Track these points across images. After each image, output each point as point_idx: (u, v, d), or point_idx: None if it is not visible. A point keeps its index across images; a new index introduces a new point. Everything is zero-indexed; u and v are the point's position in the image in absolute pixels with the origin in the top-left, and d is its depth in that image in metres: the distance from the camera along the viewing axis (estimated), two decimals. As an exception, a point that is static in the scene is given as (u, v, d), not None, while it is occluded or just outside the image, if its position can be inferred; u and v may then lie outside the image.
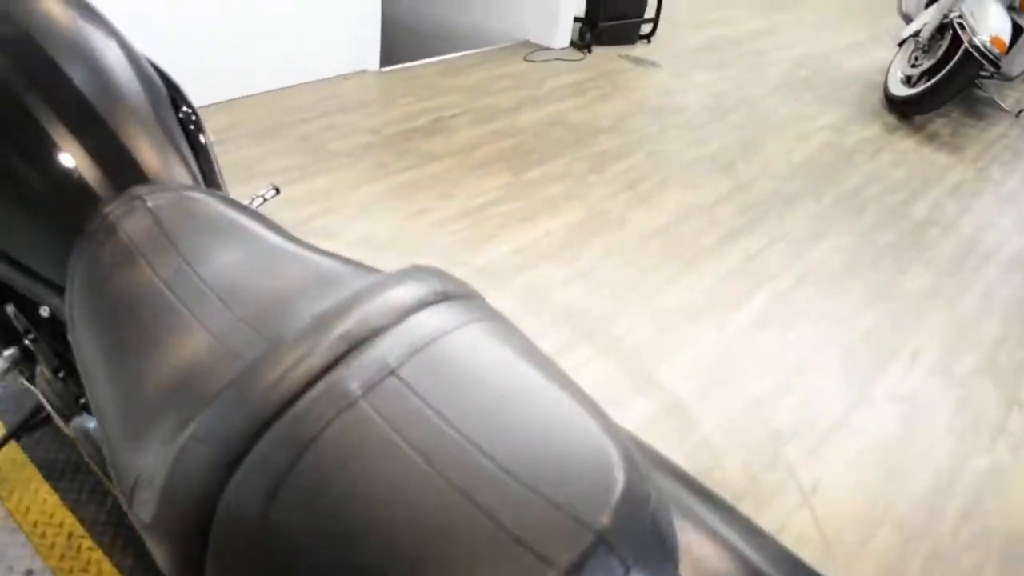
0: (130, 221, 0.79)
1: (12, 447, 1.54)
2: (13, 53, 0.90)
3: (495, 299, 2.11)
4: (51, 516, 1.41)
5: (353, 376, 0.54)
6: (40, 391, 1.14)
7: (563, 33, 4.15)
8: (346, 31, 3.37)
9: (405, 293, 0.61)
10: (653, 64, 4.13)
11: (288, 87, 3.25)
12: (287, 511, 0.50)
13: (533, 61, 3.95)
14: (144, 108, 0.96)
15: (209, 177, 1.04)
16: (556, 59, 4.00)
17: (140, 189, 0.83)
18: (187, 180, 0.94)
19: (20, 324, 1.08)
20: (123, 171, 0.87)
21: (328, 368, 0.55)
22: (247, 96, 3.13)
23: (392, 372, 0.55)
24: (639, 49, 4.35)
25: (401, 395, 0.53)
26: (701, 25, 5.05)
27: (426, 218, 2.51)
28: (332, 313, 0.59)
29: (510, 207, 2.60)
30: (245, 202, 1.57)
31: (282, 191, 2.54)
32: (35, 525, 1.40)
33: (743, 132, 3.39)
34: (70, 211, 0.85)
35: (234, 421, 0.54)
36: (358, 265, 0.73)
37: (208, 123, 2.98)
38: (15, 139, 0.86)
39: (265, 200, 1.61)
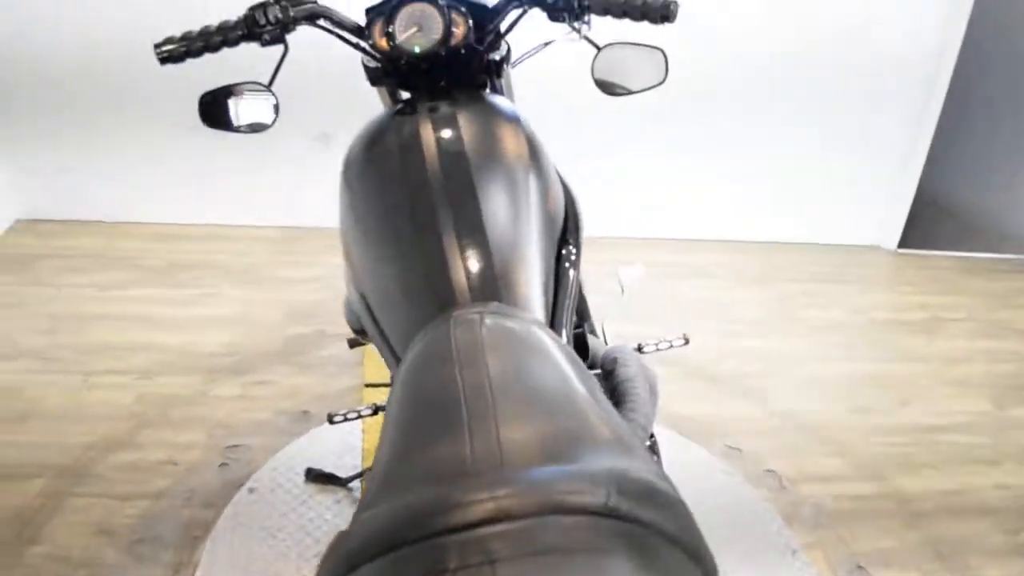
0: (463, 329, 0.88)
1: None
2: (443, 160, 1.07)
3: (887, 539, 1.85)
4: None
5: (457, 550, 0.56)
6: None
7: None
8: (871, 203, 3.26)
9: (576, 491, 0.60)
10: None
11: (789, 243, 3.24)
12: None
13: (1090, 285, 3.36)
14: (527, 238, 1.07)
15: (558, 312, 1.11)
16: (1125, 289, 3.35)
17: (490, 306, 0.94)
18: (536, 311, 1.02)
19: None
20: (483, 287, 0.97)
21: (445, 531, 0.57)
22: (744, 241, 3.20)
23: (490, 562, 0.55)
24: None
25: None
26: None
27: (868, 418, 2.30)
28: (508, 479, 0.62)
29: (973, 440, 2.25)
30: (654, 342, 1.63)
31: (736, 342, 2.56)
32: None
33: None
34: (429, 304, 0.98)
35: (358, 542, 0.60)
36: (618, 441, 0.74)
37: (699, 256, 3.13)
38: (413, 231, 1.03)
39: (672, 346, 1.64)
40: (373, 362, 2.27)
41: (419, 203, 1.05)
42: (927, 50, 2.99)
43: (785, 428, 2.22)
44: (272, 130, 1.28)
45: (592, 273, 1.65)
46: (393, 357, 1.05)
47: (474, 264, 0.99)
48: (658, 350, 1.61)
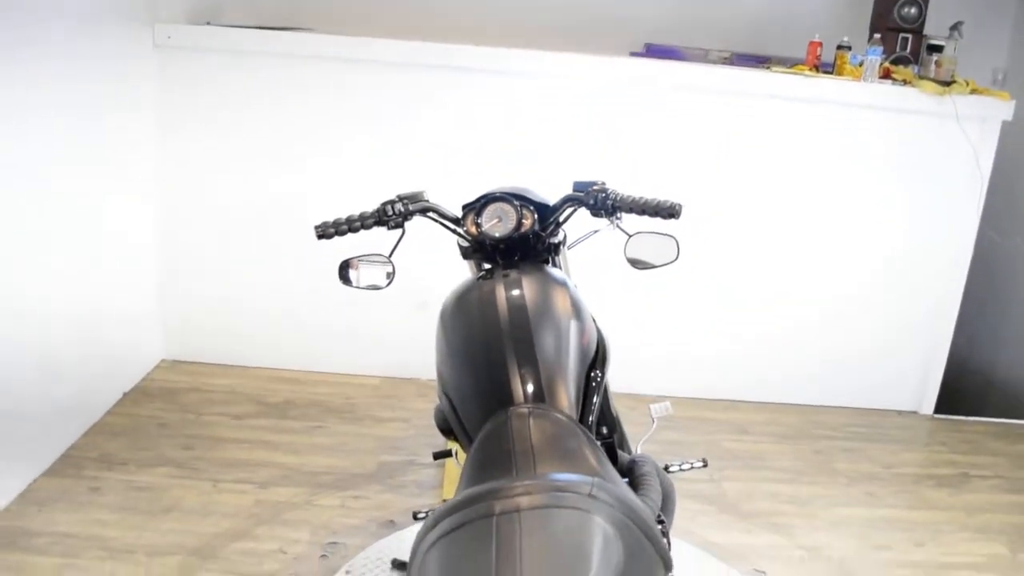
0: (517, 419, 1.34)
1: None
2: (510, 310, 1.54)
3: None
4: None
5: (500, 505, 1.00)
6: None
7: None
8: (907, 371, 3.58)
9: (574, 484, 1.05)
10: None
11: (828, 406, 3.57)
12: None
13: None
14: (565, 363, 1.52)
15: (585, 414, 1.54)
16: None
17: (538, 406, 1.38)
18: (569, 411, 1.46)
19: None
20: (532, 393, 1.41)
21: (493, 498, 1.01)
22: (784, 403, 3.55)
23: (517, 510, 0.99)
24: None
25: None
26: None
27: (884, 554, 2.56)
28: (534, 478, 1.11)
29: (983, 578, 2.49)
30: (678, 463, 2.01)
31: (769, 487, 2.88)
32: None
33: None
34: (495, 403, 1.42)
35: (442, 508, 1.07)
36: (609, 476, 1.18)
37: (740, 415, 3.49)
38: (486, 355, 1.49)
39: (692, 467, 2.02)
40: (450, 483, 2.68)
41: (491, 336, 1.52)
42: (949, 237, 3.43)
43: (808, 558, 2.51)
44: (379, 295, 1.77)
45: (630, 410, 2.07)
46: (467, 439, 1.50)
47: (527, 378, 1.44)
48: (681, 469, 1.99)
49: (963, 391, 4.20)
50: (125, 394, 3.23)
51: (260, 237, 3.40)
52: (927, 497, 2.94)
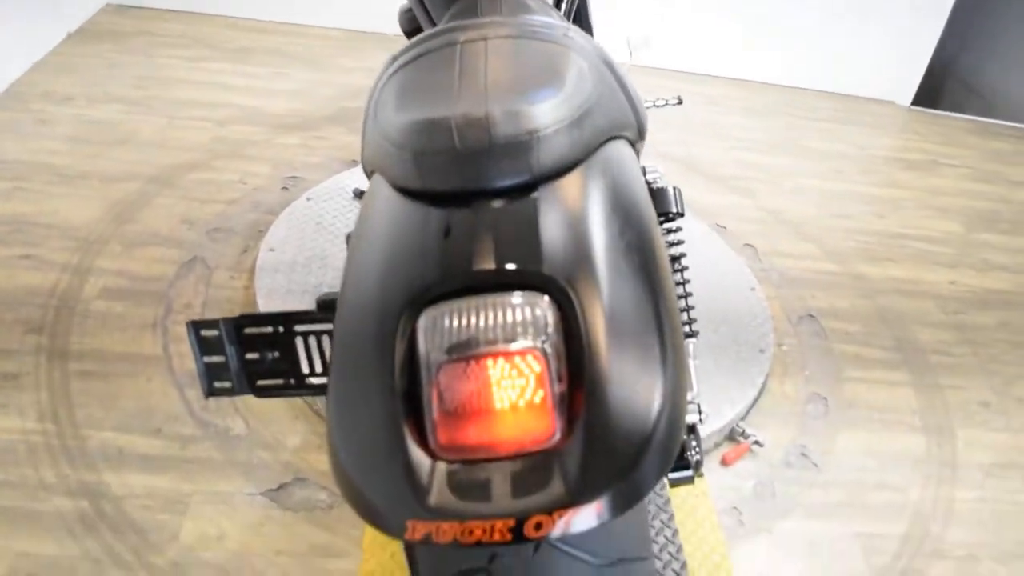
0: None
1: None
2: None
3: (840, 302, 2.15)
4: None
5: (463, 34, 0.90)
6: None
7: None
8: (888, 59, 3.45)
9: (546, 24, 0.94)
10: None
11: (805, 88, 3.47)
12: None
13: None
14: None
15: (560, 2, 1.42)
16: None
17: None
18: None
19: None
20: None
21: (459, 29, 0.91)
22: (759, 81, 3.44)
23: (485, 39, 0.89)
24: None
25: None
26: None
27: (845, 222, 2.60)
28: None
29: (936, 248, 2.54)
30: (651, 99, 1.92)
31: (738, 155, 2.85)
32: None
33: None
34: None
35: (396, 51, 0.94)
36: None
37: (711, 88, 3.34)
38: None
39: (667, 103, 1.94)
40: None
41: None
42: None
43: (768, 219, 2.53)
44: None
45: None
46: (431, 24, 1.38)
47: None
48: (655, 105, 1.90)
49: (942, 93, 4.11)
50: (69, 35, 3.01)
51: None
52: (894, 177, 2.94)
